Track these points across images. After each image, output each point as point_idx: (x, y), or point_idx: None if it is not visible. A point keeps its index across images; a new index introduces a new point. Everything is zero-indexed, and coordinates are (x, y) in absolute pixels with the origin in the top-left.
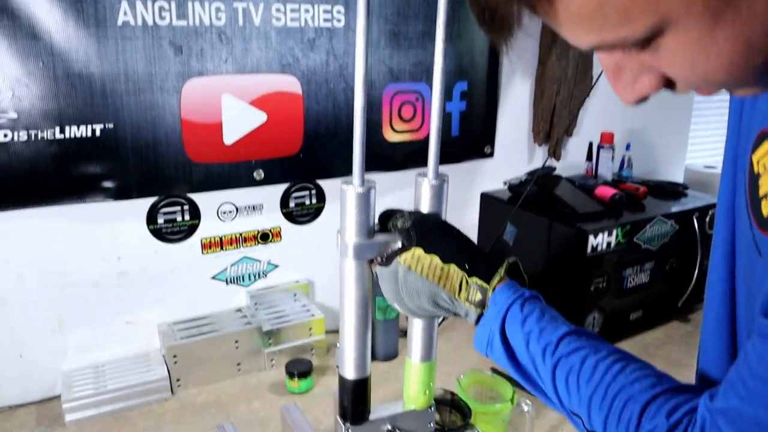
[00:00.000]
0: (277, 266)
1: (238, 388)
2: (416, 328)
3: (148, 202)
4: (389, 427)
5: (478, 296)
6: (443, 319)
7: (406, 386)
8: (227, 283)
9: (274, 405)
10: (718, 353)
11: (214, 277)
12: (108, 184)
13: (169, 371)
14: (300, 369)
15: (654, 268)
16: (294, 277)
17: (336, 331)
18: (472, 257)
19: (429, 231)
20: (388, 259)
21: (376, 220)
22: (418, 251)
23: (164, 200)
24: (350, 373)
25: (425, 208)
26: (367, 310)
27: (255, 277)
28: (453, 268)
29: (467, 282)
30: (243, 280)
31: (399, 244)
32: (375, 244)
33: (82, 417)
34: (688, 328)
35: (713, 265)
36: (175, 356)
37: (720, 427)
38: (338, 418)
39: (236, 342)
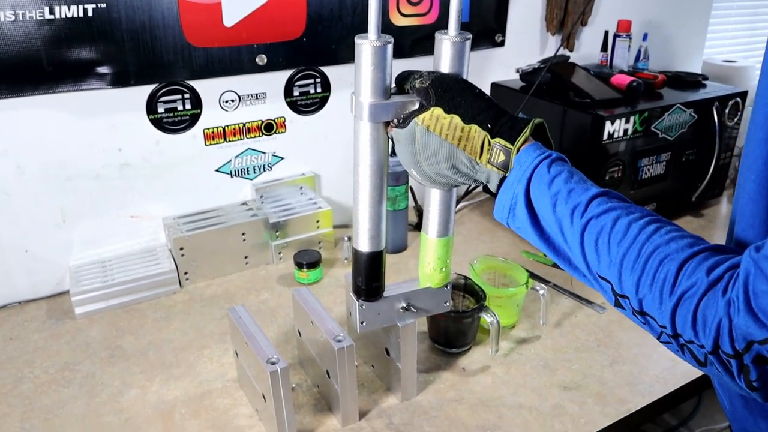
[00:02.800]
0: (282, 158)
1: (246, 280)
2: (433, 201)
3: (147, 89)
4: (404, 304)
5: (501, 157)
6: (466, 193)
7: (422, 263)
8: (232, 176)
9: (283, 295)
10: (758, 218)
11: (218, 170)
12: (104, 69)
13: (176, 264)
14: (309, 259)
15: (670, 159)
16: (300, 169)
17: (344, 226)
18: (496, 117)
19: (449, 89)
20: (404, 120)
21: (393, 83)
22: (438, 111)
23: (164, 88)
24: (364, 245)
25: (446, 68)
26: (382, 177)
27: (260, 169)
28: (474, 128)
29: (489, 143)
30: (248, 172)
31: (417, 105)
32: (391, 104)
33: (91, 310)
34: (701, 222)
35: (756, 124)
36: (181, 249)
37: (767, 274)
38: (351, 294)
39: (243, 235)
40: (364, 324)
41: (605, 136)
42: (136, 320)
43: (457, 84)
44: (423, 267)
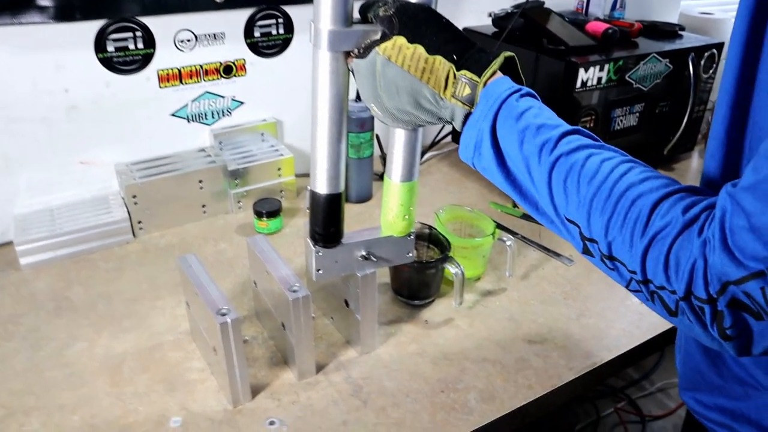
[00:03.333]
0: (242, 103)
1: (203, 230)
2: (397, 143)
3: (94, 26)
4: (364, 253)
5: (467, 91)
6: (434, 143)
7: (384, 210)
8: (189, 120)
9: (242, 245)
10: (727, 158)
11: (174, 114)
12: (45, 2)
13: (129, 213)
14: (269, 208)
15: (643, 111)
16: (261, 115)
17: (307, 175)
18: (463, 49)
19: (413, 18)
20: (365, 50)
21: (357, 13)
22: (400, 40)
23: (113, 24)
24: (322, 186)
25: None
26: (342, 113)
27: (219, 114)
28: (439, 60)
29: (455, 76)
30: (206, 117)
31: (379, 34)
32: (352, 32)
33: (38, 260)
34: (672, 176)
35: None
36: (134, 197)
37: (744, 208)
38: (308, 240)
39: (200, 182)
40: (320, 272)
41: (578, 84)
42: (86, 271)
43: (423, 13)
44: (385, 214)
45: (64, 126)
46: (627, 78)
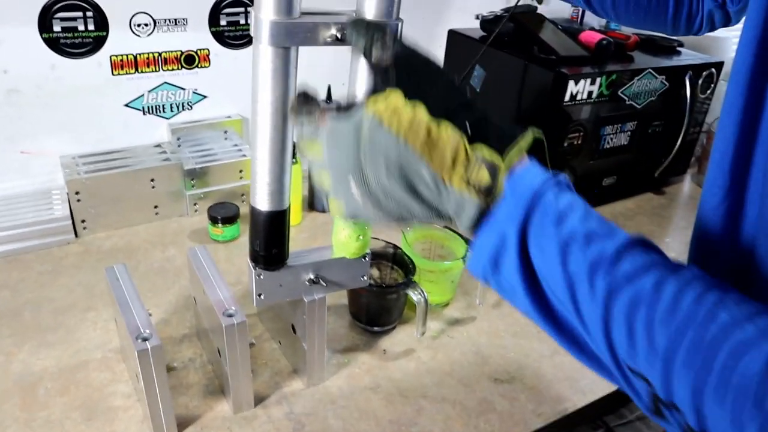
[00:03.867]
0: (204, 97)
1: (154, 233)
2: None
3: (38, 2)
4: (312, 276)
5: (485, 178)
6: None
7: (336, 229)
8: (144, 112)
9: None
10: (731, 190)
11: (128, 105)
12: None
13: (71, 210)
14: (225, 213)
15: (635, 129)
16: (225, 111)
17: None
18: (477, 117)
19: (416, 70)
20: (349, 107)
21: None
22: (396, 97)
23: (60, 2)
24: (262, 202)
25: None
26: (287, 118)
27: (178, 107)
28: (446, 127)
29: (467, 152)
30: (164, 110)
31: (371, 84)
32: (300, 25)
33: None
34: (662, 201)
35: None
36: (77, 193)
37: None
38: (249, 261)
39: (152, 181)
40: (261, 297)
41: (567, 97)
42: (18, 273)
43: (426, 65)
44: (337, 233)
45: (4, 110)
46: (620, 94)
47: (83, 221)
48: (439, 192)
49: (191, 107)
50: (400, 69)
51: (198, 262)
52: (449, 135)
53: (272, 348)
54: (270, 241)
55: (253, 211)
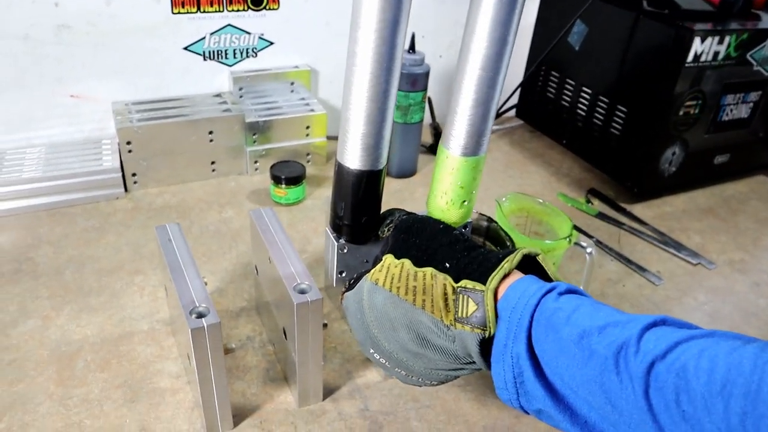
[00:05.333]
0: (271, 43)
1: (209, 191)
2: (464, 101)
3: None
4: None
5: (472, 308)
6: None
7: (435, 192)
8: (205, 57)
9: None
10: None
11: (187, 48)
12: None
13: (121, 162)
14: (289, 173)
15: (759, 101)
16: (293, 60)
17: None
18: (459, 252)
19: (407, 230)
20: (356, 281)
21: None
22: (389, 258)
23: None
24: (354, 159)
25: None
26: (394, 51)
27: (242, 54)
28: (428, 272)
29: (454, 290)
30: (226, 56)
31: (376, 258)
32: None
33: (5, 209)
34: None
35: None
36: (128, 143)
37: None
38: (328, 230)
39: (210, 133)
40: (344, 275)
41: (690, 58)
42: (61, 228)
43: (418, 223)
44: (435, 197)
45: (52, 48)
46: (748, 57)
47: (134, 175)
48: (446, 336)
49: (256, 54)
50: (394, 234)
51: (263, 226)
52: (432, 277)
53: (343, 329)
54: (359, 207)
55: (341, 170)
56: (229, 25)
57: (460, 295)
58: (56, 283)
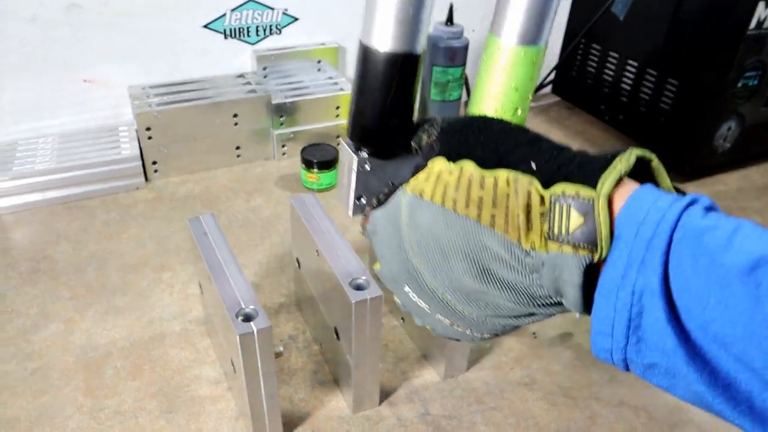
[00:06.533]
0: (296, 19)
1: (235, 178)
2: None
3: None
4: None
5: (576, 221)
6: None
7: (479, 96)
8: (226, 36)
9: (283, 202)
10: None
11: (207, 26)
12: None
13: (141, 150)
14: (322, 156)
15: None
16: (319, 37)
17: None
18: (547, 151)
19: (464, 128)
20: (386, 196)
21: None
22: (438, 163)
23: None
24: (384, 38)
25: None
26: None
27: (265, 31)
28: (505, 176)
29: (542, 198)
30: (248, 33)
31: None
32: None
33: (19, 203)
34: None
35: None
36: (148, 129)
37: None
38: (344, 144)
39: (235, 117)
40: (363, 201)
41: (753, 24)
42: (79, 222)
43: (484, 120)
44: (480, 104)
45: (62, 30)
46: None
47: (154, 163)
48: (521, 265)
49: (280, 31)
50: (443, 136)
51: (307, 214)
52: (512, 182)
53: (392, 325)
54: (390, 106)
55: (366, 56)
56: (251, 0)
57: (556, 205)
58: (78, 282)
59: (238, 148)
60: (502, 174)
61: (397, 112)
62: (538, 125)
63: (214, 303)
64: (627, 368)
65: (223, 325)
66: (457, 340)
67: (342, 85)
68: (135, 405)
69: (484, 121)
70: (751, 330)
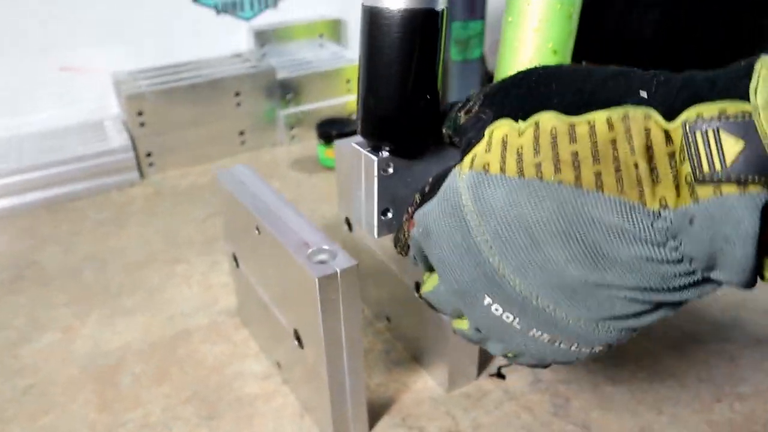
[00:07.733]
0: None
1: None
2: None
3: None
4: None
5: (732, 148)
6: None
7: (508, 62)
8: (218, 11)
9: (303, 184)
10: None
11: (197, 1)
12: None
13: (132, 140)
14: (340, 129)
15: None
16: (318, 9)
17: None
18: (648, 78)
19: (517, 83)
20: (433, 188)
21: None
22: (502, 126)
23: None
24: None
25: None
26: None
27: (260, 4)
28: (602, 116)
29: (666, 133)
30: (242, 8)
31: (463, 144)
32: None
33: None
34: None
35: None
36: (140, 113)
37: None
38: (356, 146)
39: (237, 96)
40: (389, 216)
41: None
42: (68, 224)
43: (537, 71)
44: (513, 66)
45: (36, 11)
46: None
47: (149, 155)
48: (649, 232)
49: (275, 4)
50: (493, 99)
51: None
52: (616, 123)
53: None
54: (412, 81)
55: (374, 21)
56: None
57: (697, 133)
58: (74, 286)
59: (242, 134)
60: (600, 115)
61: (421, 90)
62: None
63: (263, 263)
64: None
65: (282, 288)
66: (564, 362)
67: (349, 56)
68: (166, 415)
69: (544, 68)
70: None
